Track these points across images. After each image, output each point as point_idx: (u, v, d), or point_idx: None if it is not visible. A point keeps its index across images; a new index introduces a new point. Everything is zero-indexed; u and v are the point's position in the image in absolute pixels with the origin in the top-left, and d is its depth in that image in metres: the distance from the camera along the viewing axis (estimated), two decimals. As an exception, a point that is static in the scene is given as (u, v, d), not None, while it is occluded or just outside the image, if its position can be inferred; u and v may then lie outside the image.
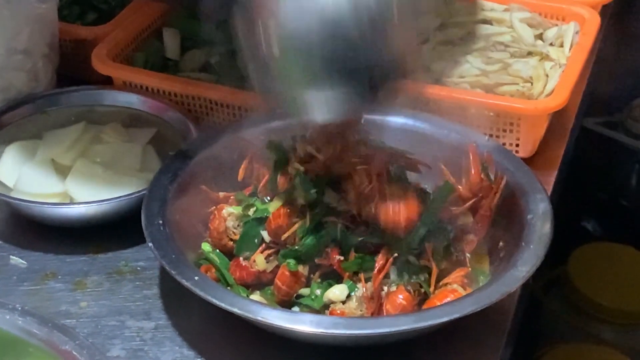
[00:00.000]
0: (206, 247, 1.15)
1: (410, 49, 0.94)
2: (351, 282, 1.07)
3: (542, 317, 2.05)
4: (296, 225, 1.08)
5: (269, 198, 1.14)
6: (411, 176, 1.17)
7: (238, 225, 1.14)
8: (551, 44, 1.47)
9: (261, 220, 1.12)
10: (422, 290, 1.06)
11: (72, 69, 1.50)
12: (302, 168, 1.08)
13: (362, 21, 0.88)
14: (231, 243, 1.14)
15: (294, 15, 0.90)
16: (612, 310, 1.97)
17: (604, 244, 2.15)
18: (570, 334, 2.01)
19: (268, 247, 1.12)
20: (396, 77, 0.94)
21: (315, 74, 0.93)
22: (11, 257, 1.21)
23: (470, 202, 1.15)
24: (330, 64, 0.91)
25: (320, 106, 0.96)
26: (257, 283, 1.10)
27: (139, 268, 1.18)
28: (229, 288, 1.09)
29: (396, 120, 1.25)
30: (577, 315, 2.01)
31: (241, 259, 1.12)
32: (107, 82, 1.43)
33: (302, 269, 1.08)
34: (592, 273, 2.03)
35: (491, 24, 1.50)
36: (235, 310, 0.98)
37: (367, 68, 0.90)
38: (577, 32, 1.47)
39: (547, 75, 1.39)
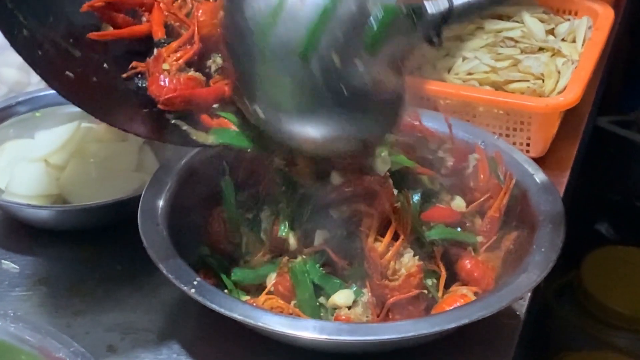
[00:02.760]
0: (205, 250, 1.15)
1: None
2: (357, 287, 1.07)
3: (554, 324, 2.05)
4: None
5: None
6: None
7: (237, 229, 1.15)
8: (563, 40, 1.47)
9: (261, 223, 1.13)
10: (430, 295, 1.07)
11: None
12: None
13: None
14: (230, 247, 1.15)
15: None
16: (626, 316, 1.97)
17: (618, 248, 2.15)
18: (583, 342, 2.00)
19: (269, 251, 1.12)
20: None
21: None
22: (3, 261, 1.21)
23: (478, 202, 1.15)
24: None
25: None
26: None
27: (135, 272, 1.18)
28: (227, 292, 1.09)
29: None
30: (590, 322, 2.00)
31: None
32: (101, 79, 1.43)
33: None
34: (605, 278, 2.03)
35: (501, 19, 1.50)
36: (235, 315, 0.98)
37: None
38: (590, 27, 1.48)
39: (558, 72, 1.39)
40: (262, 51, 0.96)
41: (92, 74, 1.06)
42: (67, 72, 1.03)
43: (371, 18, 0.93)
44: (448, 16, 0.93)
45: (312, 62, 0.94)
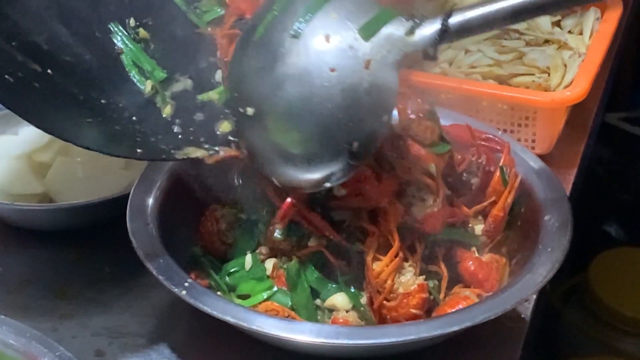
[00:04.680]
0: (197, 251, 1.15)
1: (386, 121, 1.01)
2: (355, 289, 1.07)
3: (561, 328, 2.05)
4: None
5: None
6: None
7: (231, 228, 1.15)
8: (570, 32, 1.47)
9: (256, 223, 1.13)
10: (432, 297, 1.07)
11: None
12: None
13: (348, 105, 0.98)
14: (224, 247, 1.15)
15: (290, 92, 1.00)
16: (636, 321, 1.97)
17: (627, 249, 2.15)
18: (591, 347, 2.01)
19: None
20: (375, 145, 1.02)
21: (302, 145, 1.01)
22: (-15, 262, 1.22)
23: (483, 205, 1.15)
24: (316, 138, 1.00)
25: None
26: None
27: (124, 274, 1.19)
28: (220, 294, 1.10)
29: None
30: (599, 327, 2.00)
31: None
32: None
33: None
34: (614, 281, 2.03)
35: (505, 10, 1.50)
36: (228, 318, 0.98)
37: (348, 141, 0.99)
38: (597, 19, 1.48)
39: (565, 66, 1.39)
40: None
41: (35, 79, 1.08)
42: (7, 76, 1.04)
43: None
44: (443, 37, 0.96)
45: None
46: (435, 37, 0.96)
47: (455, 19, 0.95)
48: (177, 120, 1.16)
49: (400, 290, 1.04)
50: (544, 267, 1.04)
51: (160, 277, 1.03)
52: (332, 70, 0.98)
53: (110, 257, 1.21)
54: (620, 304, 1.99)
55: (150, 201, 1.13)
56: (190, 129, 1.15)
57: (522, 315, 1.13)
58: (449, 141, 1.13)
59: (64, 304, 1.16)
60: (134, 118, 1.14)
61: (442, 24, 0.95)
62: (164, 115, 1.16)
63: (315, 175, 1.02)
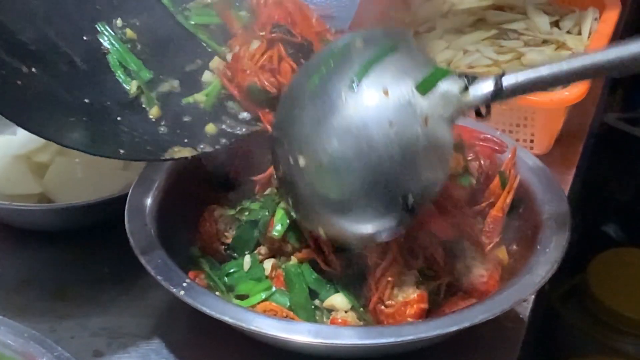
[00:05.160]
0: (195, 251, 1.15)
1: (441, 176, 1.01)
2: (354, 291, 1.07)
3: (560, 329, 2.05)
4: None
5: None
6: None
7: (230, 229, 1.15)
8: (568, 32, 1.47)
9: (255, 223, 1.13)
10: (431, 297, 1.07)
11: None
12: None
13: (404, 156, 0.97)
14: (223, 247, 1.15)
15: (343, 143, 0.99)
16: (635, 321, 1.97)
17: (626, 250, 2.15)
18: (589, 347, 2.01)
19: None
20: (429, 200, 1.02)
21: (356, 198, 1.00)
22: (-16, 263, 1.22)
23: (481, 206, 1.15)
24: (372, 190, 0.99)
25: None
26: None
27: (122, 274, 1.19)
28: (218, 294, 1.10)
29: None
30: (598, 327, 2.01)
31: None
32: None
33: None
34: (613, 281, 2.03)
35: (503, 10, 1.51)
36: (227, 319, 0.98)
37: (404, 195, 0.98)
38: (596, 19, 1.48)
39: (564, 66, 1.39)
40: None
41: (19, 78, 1.08)
42: None
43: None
44: (496, 96, 0.97)
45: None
46: (488, 96, 0.96)
47: (508, 80, 0.95)
48: (164, 122, 1.16)
49: (400, 298, 1.04)
50: (542, 267, 1.04)
51: (159, 278, 1.03)
52: (391, 124, 0.97)
53: (109, 258, 1.21)
54: (619, 304, 1.99)
55: (149, 201, 1.13)
56: (177, 130, 1.15)
57: (521, 316, 1.13)
58: (472, 173, 1.13)
59: (63, 305, 1.16)
60: (118, 118, 1.14)
61: (496, 85, 0.96)
62: (150, 117, 1.16)
63: (366, 229, 1.01)
